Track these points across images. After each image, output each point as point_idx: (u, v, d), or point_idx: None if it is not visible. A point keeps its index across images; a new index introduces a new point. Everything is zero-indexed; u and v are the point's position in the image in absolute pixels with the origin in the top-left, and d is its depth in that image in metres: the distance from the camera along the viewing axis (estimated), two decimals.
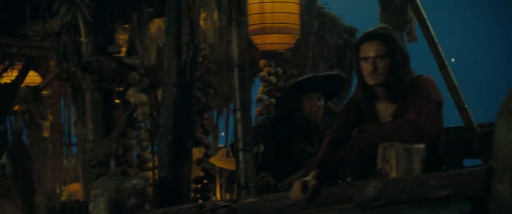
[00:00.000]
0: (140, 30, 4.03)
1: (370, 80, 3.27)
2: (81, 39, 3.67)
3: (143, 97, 4.15)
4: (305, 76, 4.71)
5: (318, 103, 4.57)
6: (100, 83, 3.94)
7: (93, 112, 4.03)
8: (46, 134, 5.95)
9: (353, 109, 3.43)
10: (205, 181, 4.78)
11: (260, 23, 4.49)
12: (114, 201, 3.48)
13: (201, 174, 4.84)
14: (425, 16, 7.46)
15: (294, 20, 4.53)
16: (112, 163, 4.05)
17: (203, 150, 5.00)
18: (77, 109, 4.06)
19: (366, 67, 3.27)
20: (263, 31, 4.49)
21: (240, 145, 3.87)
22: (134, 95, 4.14)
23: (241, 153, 3.85)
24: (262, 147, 4.54)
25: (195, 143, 5.16)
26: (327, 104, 5.24)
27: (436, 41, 7.56)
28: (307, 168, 3.32)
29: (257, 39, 4.55)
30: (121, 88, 4.25)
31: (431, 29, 7.55)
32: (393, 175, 2.98)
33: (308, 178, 3.16)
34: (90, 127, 4.01)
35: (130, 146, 4.34)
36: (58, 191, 6.27)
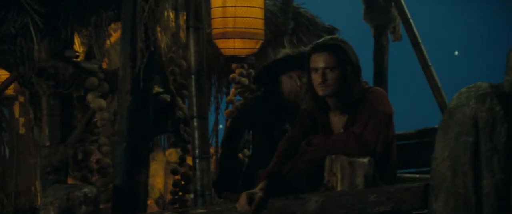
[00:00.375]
0: (98, 35, 3.99)
1: (319, 91, 3.26)
2: (35, 45, 3.62)
3: (102, 102, 4.11)
4: (282, 54, 4.32)
5: (298, 82, 4.11)
6: (56, 89, 3.90)
7: (50, 118, 3.99)
8: (22, 130, 5.91)
9: (306, 119, 3.42)
10: (183, 182, 4.71)
11: (222, 28, 4.44)
12: (65, 210, 3.45)
13: (177, 177, 4.79)
14: (408, 15, 7.43)
15: (257, 25, 4.48)
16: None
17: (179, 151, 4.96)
18: (34, 113, 4.02)
19: (316, 78, 3.26)
20: (225, 36, 4.44)
21: (197, 153, 3.85)
22: (92, 101, 4.10)
23: (197, 161, 3.83)
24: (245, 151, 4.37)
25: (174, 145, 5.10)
26: None
27: (420, 41, 7.54)
28: (257, 178, 3.30)
29: (220, 44, 4.51)
30: (80, 93, 4.21)
31: (415, 29, 7.54)
32: (339, 188, 2.97)
33: (256, 189, 3.14)
34: (46, 133, 3.97)
35: (91, 151, 4.31)
36: (33, 189, 6.23)
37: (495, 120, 2.36)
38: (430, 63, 7.39)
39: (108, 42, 4.21)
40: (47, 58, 3.91)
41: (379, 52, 7.82)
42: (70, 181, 4.63)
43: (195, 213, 3.19)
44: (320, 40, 3.33)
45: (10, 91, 5.21)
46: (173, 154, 7.86)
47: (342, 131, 3.26)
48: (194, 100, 3.84)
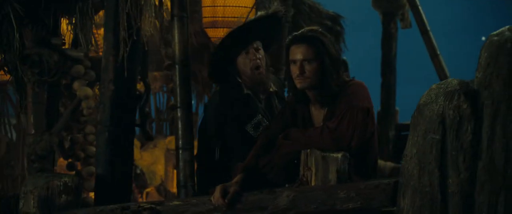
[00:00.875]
0: (84, 22, 3.96)
1: (297, 84, 3.21)
2: (16, 33, 3.60)
3: (88, 91, 4.10)
4: (231, 30, 3.63)
5: (258, 55, 3.57)
6: (41, 77, 3.89)
7: (35, 105, 3.98)
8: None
9: (287, 112, 3.37)
10: None
11: (212, 17, 4.40)
12: (44, 199, 3.45)
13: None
14: (417, 2, 7.31)
15: (246, 14, 4.43)
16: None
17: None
18: (20, 101, 4.02)
19: (294, 70, 3.20)
20: (214, 24, 4.40)
21: (180, 143, 3.82)
22: (78, 89, 4.09)
23: (180, 152, 3.80)
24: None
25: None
26: None
27: (429, 28, 7.43)
28: (234, 171, 3.26)
29: (210, 32, 4.48)
30: (68, 81, 4.20)
31: (424, 16, 7.42)
32: (313, 182, 2.93)
33: (232, 182, 3.12)
34: (31, 121, 3.96)
35: (77, 139, 4.31)
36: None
37: (462, 118, 2.30)
38: (438, 52, 7.28)
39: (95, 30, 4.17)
40: (32, 46, 3.90)
41: (387, 39, 7.73)
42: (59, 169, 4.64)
43: (171, 205, 3.17)
44: (299, 31, 3.26)
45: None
46: (173, 142, 7.84)
47: (321, 124, 3.21)
48: (178, 90, 3.81)
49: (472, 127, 2.27)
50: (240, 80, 3.62)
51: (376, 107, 8.17)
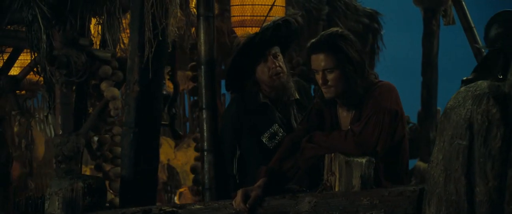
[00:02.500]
0: (111, 23, 3.94)
1: (324, 93, 3.10)
2: (43, 34, 3.61)
3: (115, 91, 4.08)
4: (241, 41, 3.51)
5: (277, 62, 3.43)
6: (68, 77, 3.89)
7: (63, 106, 3.99)
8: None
9: (314, 114, 3.27)
10: None
11: (240, 15, 4.34)
12: (69, 200, 3.44)
13: None
14: None
15: (277, 12, 4.34)
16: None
17: None
18: (49, 102, 4.03)
19: (318, 78, 3.09)
20: (243, 24, 4.33)
21: (205, 145, 3.76)
22: (106, 89, 4.07)
23: (205, 154, 3.74)
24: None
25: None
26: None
27: (473, 25, 7.21)
28: (257, 174, 3.19)
29: (239, 32, 4.41)
30: (96, 82, 4.20)
31: (468, 12, 7.21)
32: (336, 188, 2.83)
33: (254, 186, 3.04)
34: (59, 122, 3.97)
35: (105, 140, 4.30)
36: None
37: (490, 123, 2.17)
38: (483, 50, 7.06)
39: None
40: (60, 47, 3.90)
41: (428, 37, 7.55)
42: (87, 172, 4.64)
43: (193, 208, 3.12)
44: (317, 37, 3.13)
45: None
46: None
47: (349, 127, 3.11)
48: (204, 91, 3.75)
49: (501, 133, 2.14)
50: (258, 89, 3.52)
51: (417, 107, 8.00)
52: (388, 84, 3.10)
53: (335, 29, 3.12)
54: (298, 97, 3.61)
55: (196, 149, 4.68)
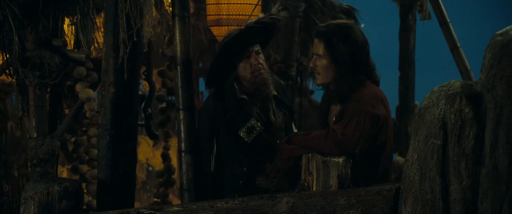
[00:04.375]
0: (85, 23, 3.89)
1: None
2: (14, 36, 3.55)
3: (90, 93, 4.02)
4: (230, 34, 3.50)
5: (259, 59, 3.50)
6: (42, 79, 3.83)
7: (37, 109, 3.92)
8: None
9: (323, 107, 3.33)
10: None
11: (216, 14, 4.31)
12: (45, 204, 3.40)
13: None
14: None
15: (251, 11, 4.32)
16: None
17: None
18: (22, 104, 3.97)
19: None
20: (219, 23, 4.31)
21: (183, 146, 3.74)
22: (81, 91, 4.02)
23: (183, 155, 3.72)
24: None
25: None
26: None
27: (448, 20, 7.23)
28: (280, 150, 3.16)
29: (215, 31, 4.38)
30: (71, 83, 4.14)
31: (443, 7, 7.24)
32: (314, 187, 2.83)
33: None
34: (33, 124, 3.91)
35: (81, 142, 4.25)
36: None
37: (463, 122, 2.18)
38: (458, 44, 7.09)
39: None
40: (33, 48, 3.84)
41: (405, 31, 7.55)
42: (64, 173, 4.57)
43: (171, 211, 3.09)
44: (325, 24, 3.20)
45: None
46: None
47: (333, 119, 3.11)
48: (180, 92, 3.72)
49: (474, 132, 2.16)
50: (236, 86, 3.56)
51: (395, 101, 8.02)
52: (374, 89, 3.08)
53: (343, 21, 3.18)
54: (276, 93, 3.64)
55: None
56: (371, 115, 2.94)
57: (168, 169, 4.93)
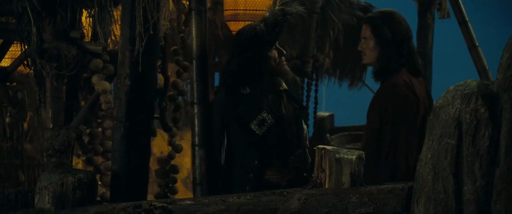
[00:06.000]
0: (102, 16, 3.91)
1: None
2: (33, 27, 3.58)
3: (106, 85, 4.05)
4: (252, 30, 3.57)
5: (276, 53, 3.64)
6: (59, 71, 3.85)
7: (53, 100, 3.95)
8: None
9: None
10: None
11: (233, 9, 4.32)
12: (59, 195, 3.42)
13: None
14: None
15: (268, 6, 4.33)
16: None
17: None
18: (39, 95, 4.00)
19: None
20: (236, 18, 4.32)
21: (196, 140, 3.75)
22: (97, 83, 4.04)
23: (196, 149, 3.73)
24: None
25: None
26: None
27: (467, 19, 7.18)
28: None
29: (232, 26, 4.39)
30: (88, 75, 4.17)
31: (462, 6, 7.18)
32: (327, 185, 2.83)
33: None
34: (49, 115, 3.94)
35: (97, 134, 4.28)
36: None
37: (479, 123, 2.17)
38: (477, 44, 7.03)
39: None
40: (51, 39, 3.87)
41: (423, 30, 7.51)
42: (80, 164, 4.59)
43: (183, 204, 3.11)
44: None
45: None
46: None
47: None
48: (195, 85, 3.74)
49: (489, 132, 2.14)
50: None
51: None
52: (392, 88, 3.33)
53: (389, 9, 3.59)
54: (286, 87, 3.71)
55: None
56: (377, 113, 3.25)
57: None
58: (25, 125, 4.79)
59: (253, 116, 3.53)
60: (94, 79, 4.07)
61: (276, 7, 3.68)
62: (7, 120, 4.59)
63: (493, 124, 2.15)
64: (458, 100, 2.20)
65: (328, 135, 7.95)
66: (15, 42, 4.59)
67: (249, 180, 3.52)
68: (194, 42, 3.74)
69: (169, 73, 4.38)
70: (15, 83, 4.72)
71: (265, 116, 3.53)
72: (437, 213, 2.24)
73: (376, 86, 3.52)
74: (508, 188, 2.11)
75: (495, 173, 2.14)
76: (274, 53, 3.62)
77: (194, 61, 3.75)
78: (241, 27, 4.32)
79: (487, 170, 2.15)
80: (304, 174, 3.42)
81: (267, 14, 3.65)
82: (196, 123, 3.72)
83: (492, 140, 2.15)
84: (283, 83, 3.67)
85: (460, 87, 2.23)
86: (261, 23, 3.63)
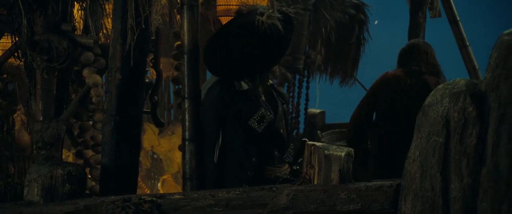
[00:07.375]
0: (94, 9, 3.91)
1: None
2: (23, 19, 3.58)
3: (97, 78, 4.05)
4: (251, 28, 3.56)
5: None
6: (50, 63, 3.85)
7: (44, 92, 3.95)
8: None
9: None
10: None
11: (225, 4, 4.32)
12: (48, 187, 3.42)
13: None
14: None
15: (262, 1, 4.33)
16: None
17: None
18: (29, 87, 4.00)
19: None
20: (229, 13, 4.32)
21: (187, 135, 3.75)
22: (88, 76, 4.04)
23: (187, 144, 3.73)
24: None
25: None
26: None
27: (458, 18, 7.21)
28: None
29: (224, 21, 4.39)
30: (79, 68, 4.16)
31: (453, 5, 7.21)
32: (315, 181, 2.84)
33: None
34: (39, 107, 3.94)
35: (87, 127, 4.28)
36: None
37: (466, 121, 2.18)
38: (467, 43, 7.06)
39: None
40: (42, 32, 3.86)
41: (414, 29, 7.54)
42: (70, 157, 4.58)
43: (172, 198, 3.12)
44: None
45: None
46: None
47: None
48: (186, 80, 3.74)
49: (477, 131, 2.16)
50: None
51: None
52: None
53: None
54: (272, 82, 3.74)
55: None
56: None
57: None
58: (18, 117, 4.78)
59: (251, 113, 3.51)
60: (85, 72, 4.07)
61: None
62: None
63: (481, 123, 2.17)
64: (447, 98, 2.22)
65: (319, 132, 7.97)
66: (6, 34, 4.58)
67: (246, 177, 3.51)
68: (186, 37, 3.74)
69: (161, 67, 4.38)
70: (5, 75, 4.70)
71: (263, 112, 3.51)
72: (424, 210, 2.26)
73: (367, 83, 3.60)
74: (494, 187, 2.13)
75: (482, 171, 2.16)
76: None
77: (185, 56, 3.74)
78: None
79: (474, 168, 2.17)
80: (295, 167, 3.45)
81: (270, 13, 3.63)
82: (186, 117, 3.72)
83: (479, 139, 2.17)
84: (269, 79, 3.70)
85: (449, 86, 2.25)
86: (268, 19, 3.62)
